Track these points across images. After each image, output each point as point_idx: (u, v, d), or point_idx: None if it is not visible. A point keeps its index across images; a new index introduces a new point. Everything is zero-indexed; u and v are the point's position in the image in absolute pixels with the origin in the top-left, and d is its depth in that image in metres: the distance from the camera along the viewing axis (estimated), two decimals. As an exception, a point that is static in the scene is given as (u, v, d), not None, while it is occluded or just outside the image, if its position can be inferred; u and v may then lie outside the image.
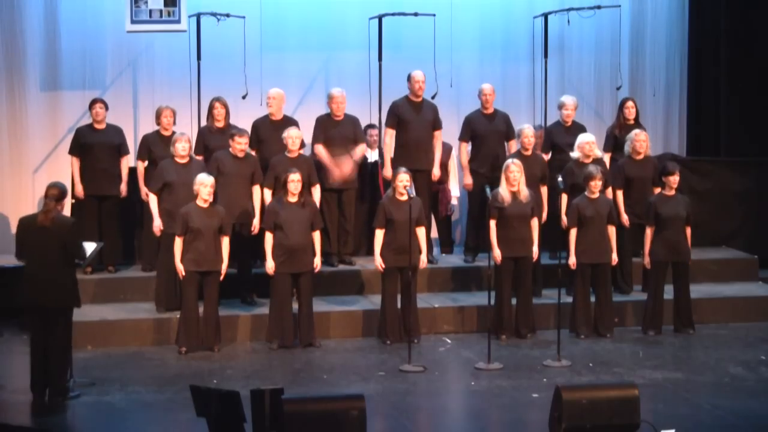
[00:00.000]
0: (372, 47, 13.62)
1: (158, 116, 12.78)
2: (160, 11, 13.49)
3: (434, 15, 13.69)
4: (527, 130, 12.56)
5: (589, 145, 12.51)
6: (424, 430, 9.80)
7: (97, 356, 11.46)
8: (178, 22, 13.52)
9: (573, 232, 12.00)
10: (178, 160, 12.05)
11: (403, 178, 11.70)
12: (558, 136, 13.21)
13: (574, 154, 12.64)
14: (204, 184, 11.44)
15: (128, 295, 12.59)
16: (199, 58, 13.39)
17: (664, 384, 10.54)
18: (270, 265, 11.58)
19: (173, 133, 12.59)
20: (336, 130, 12.82)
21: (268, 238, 11.63)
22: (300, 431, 8.37)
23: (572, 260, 12.01)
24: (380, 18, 13.71)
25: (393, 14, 13.80)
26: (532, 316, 12.11)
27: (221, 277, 11.55)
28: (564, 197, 12.44)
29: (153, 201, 12.06)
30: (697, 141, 15.28)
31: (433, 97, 13.37)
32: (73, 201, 12.93)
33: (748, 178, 14.51)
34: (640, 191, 12.67)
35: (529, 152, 12.55)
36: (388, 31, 13.81)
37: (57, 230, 9.86)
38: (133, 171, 12.94)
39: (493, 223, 11.89)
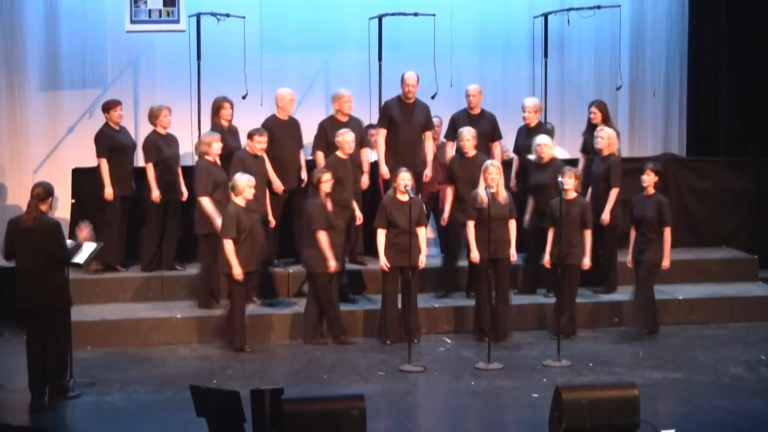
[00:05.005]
0: (372, 47, 13.62)
1: (156, 116, 12.74)
2: (160, 11, 13.50)
3: (434, 15, 13.70)
4: (466, 133, 12.48)
5: (540, 147, 12.49)
6: (424, 430, 9.81)
7: (97, 356, 11.46)
8: (177, 22, 13.54)
9: (549, 233, 12.01)
10: (211, 159, 12.11)
11: (405, 177, 11.72)
12: (521, 139, 13.12)
13: (531, 156, 12.67)
14: (250, 185, 11.55)
15: (128, 295, 12.59)
16: (199, 58, 13.39)
17: (664, 384, 10.54)
18: (333, 264, 11.66)
19: (168, 134, 12.68)
20: None
21: (323, 237, 11.67)
22: (300, 431, 8.37)
23: (545, 259, 12.02)
24: (380, 18, 13.71)
25: (393, 14, 13.81)
26: (508, 318, 12.00)
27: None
28: (530, 200, 12.57)
29: (207, 203, 12.01)
30: (697, 141, 15.28)
31: (433, 98, 13.38)
32: (73, 201, 12.93)
33: (748, 178, 14.50)
34: (594, 189, 12.66)
35: (469, 154, 12.50)
36: (388, 31, 13.81)
37: (40, 231, 9.81)
38: (139, 171, 12.93)
39: (471, 224, 11.88)
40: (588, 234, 11.98)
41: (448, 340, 12.09)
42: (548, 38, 14.23)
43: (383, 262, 11.77)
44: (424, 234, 11.98)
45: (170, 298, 12.59)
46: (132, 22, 13.49)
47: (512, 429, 9.76)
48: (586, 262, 11.94)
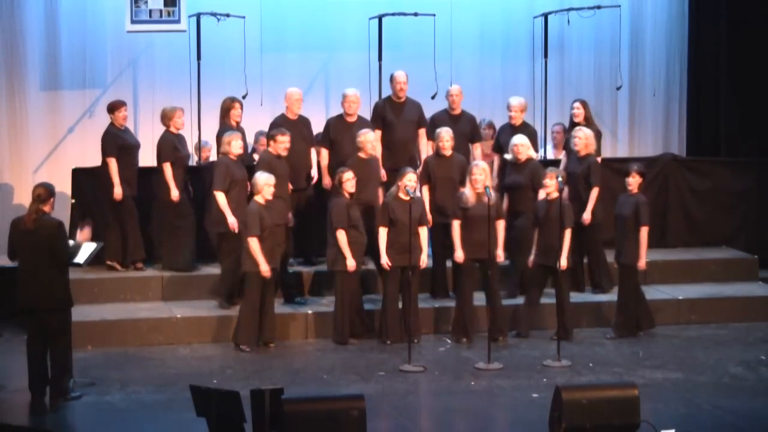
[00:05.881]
0: (372, 47, 13.63)
1: (170, 117, 12.65)
2: (160, 11, 13.51)
3: (434, 15, 13.71)
4: (444, 134, 12.45)
5: (517, 147, 12.48)
6: (424, 430, 9.81)
7: (97, 356, 11.46)
8: (178, 22, 13.55)
9: (534, 233, 12.01)
10: (233, 158, 12.14)
11: (411, 179, 11.72)
12: (504, 137, 13.09)
13: (508, 156, 12.68)
14: (269, 183, 11.58)
15: (128, 295, 12.59)
16: (199, 58, 13.40)
17: (664, 384, 10.54)
18: (351, 264, 11.71)
19: (180, 134, 12.72)
20: (347, 132, 12.77)
21: (343, 236, 11.71)
22: (300, 431, 8.37)
23: (530, 259, 12.02)
24: (380, 18, 13.72)
25: (393, 14, 13.82)
26: (502, 319, 11.94)
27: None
28: (505, 199, 12.48)
29: (222, 199, 12.03)
30: (697, 141, 15.28)
31: (433, 98, 13.39)
32: (73, 201, 12.93)
33: (748, 178, 14.49)
34: (573, 188, 12.63)
35: (446, 155, 12.47)
36: (388, 31, 13.82)
37: (42, 232, 9.79)
38: (143, 171, 12.92)
39: (456, 224, 11.87)
40: (567, 234, 11.95)
41: (448, 340, 12.09)
42: (548, 38, 14.23)
43: (384, 261, 11.77)
44: (426, 234, 11.97)
45: (170, 298, 12.59)
46: (132, 22, 13.50)
47: (512, 429, 9.76)
48: (563, 262, 11.88)
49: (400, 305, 11.89)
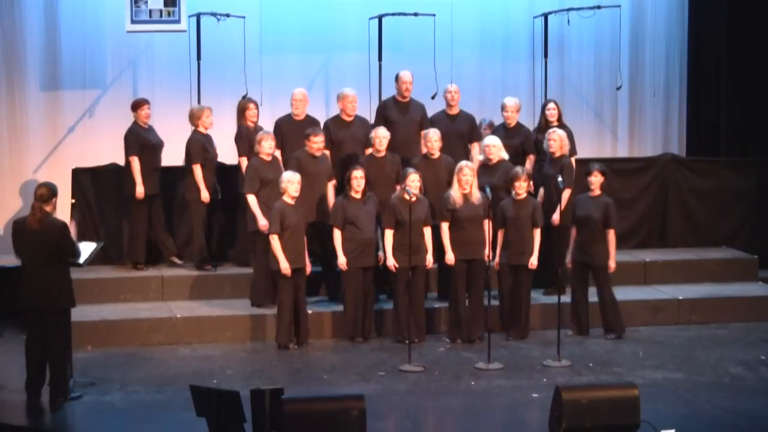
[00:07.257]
0: (372, 47, 13.63)
1: (198, 116, 12.68)
2: (160, 11, 13.50)
3: (434, 15, 13.71)
4: (432, 134, 12.41)
5: (489, 147, 12.43)
6: (424, 430, 9.81)
7: (97, 356, 11.47)
8: (178, 22, 13.54)
9: (500, 233, 11.98)
10: (265, 158, 12.13)
11: (414, 179, 11.71)
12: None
13: (480, 156, 12.66)
14: (292, 181, 11.57)
15: (128, 295, 12.60)
16: (199, 58, 13.40)
17: (664, 384, 10.55)
18: (342, 261, 11.72)
19: (207, 134, 12.75)
20: (347, 131, 12.78)
21: (336, 234, 11.75)
22: (300, 431, 8.38)
23: (496, 260, 12.00)
24: (380, 18, 13.72)
25: (393, 14, 13.82)
26: (482, 320, 11.90)
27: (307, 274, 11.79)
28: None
29: (254, 201, 12.06)
30: (697, 141, 15.27)
31: (433, 98, 13.38)
32: (73, 201, 12.93)
33: (748, 178, 14.50)
34: (550, 191, 12.56)
35: (434, 156, 12.44)
36: (388, 31, 13.81)
37: (47, 232, 9.79)
38: (176, 171, 12.96)
39: (445, 226, 11.86)
40: (537, 233, 11.95)
41: (448, 340, 12.09)
42: (548, 38, 14.23)
43: (391, 262, 11.75)
44: (430, 234, 11.95)
45: (170, 298, 12.61)
46: (132, 22, 13.48)
47: (512, 429, 9.76)
48: (533, 261, 11.89)
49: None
